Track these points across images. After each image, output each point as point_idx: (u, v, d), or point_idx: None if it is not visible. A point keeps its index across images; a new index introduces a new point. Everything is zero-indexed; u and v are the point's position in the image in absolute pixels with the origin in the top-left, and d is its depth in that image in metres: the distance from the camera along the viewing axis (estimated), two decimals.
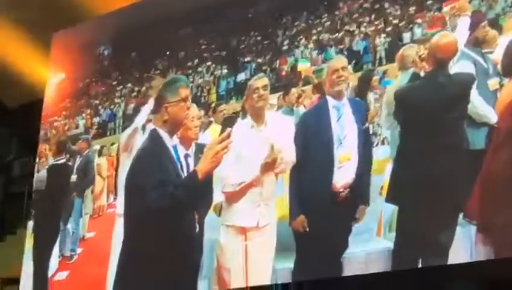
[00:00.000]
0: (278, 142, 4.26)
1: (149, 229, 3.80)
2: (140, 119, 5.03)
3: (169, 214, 3.72)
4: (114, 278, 4.09)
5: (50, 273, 5.75)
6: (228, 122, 4.49)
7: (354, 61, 4.44)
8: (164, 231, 3.78)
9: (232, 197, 4.38)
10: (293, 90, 4.75)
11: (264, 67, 4.87)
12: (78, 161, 5.90)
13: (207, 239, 4.43)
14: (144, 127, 4.88)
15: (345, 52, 4.59)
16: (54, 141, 6.25)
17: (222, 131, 3.91)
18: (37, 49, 7.70)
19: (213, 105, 5.05)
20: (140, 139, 4.47)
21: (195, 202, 3.92)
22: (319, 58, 4.63)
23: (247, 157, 4.30)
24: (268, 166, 4.27)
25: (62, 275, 5.66)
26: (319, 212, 4.18)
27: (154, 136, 3.88)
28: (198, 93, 5.17)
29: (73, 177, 5.83)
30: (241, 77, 5.00)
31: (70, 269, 5.66)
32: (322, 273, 4.15)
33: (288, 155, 4.28)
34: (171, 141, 3.91)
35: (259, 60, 4.99)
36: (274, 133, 4.29)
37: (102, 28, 6.20)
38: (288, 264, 4.25)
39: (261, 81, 4.41)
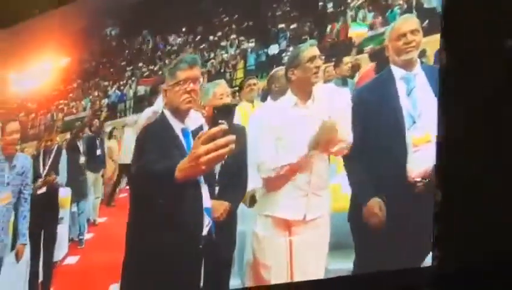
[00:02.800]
0: (331, 120, 2.77)
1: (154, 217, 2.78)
2: (157, 103, 3.56)
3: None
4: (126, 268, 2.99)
5: (57, 258, 4.31)
6: (223, 113, 2.51)
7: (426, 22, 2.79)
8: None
9: (272, 184, 2.95)
10: (346, 59, 3.18)
11: (303, 36, 3.32)
12: (86, 143, 4.43)
13: (239, 231, 3.13)
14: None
15: (414, 12, 2.90)
16: (60, 123, 4.74)
17: (214, 122, 2.29)
18: None
19: (240, 82, 3.54)
20: None
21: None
22: (377, 20, 3.05)
23: (290, 138, 2.87)
24: (319, 148, 2.75)
25: (72, 260, 4.28)
26: (390, 205, 2.63)
27: (160, 118, 2.96)
28: (222, 70, 3.66)
29: (82, 159, 4.32)
30: (274, 49, 3.46)
31: (80, 254, 4.29)
32: None
33: (345, 135, 2.78)
34: (180, 124, 2.87)
35: (297, 28, 3.39)
36: (325, 109, 2.80)
37: (108, 4, 4.61)
38: (345, 264, 2.75)
39: (311, 51, 2.89)
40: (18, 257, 4.15)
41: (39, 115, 5.09)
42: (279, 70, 3.10)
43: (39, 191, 4.23)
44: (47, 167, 4.26)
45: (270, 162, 2.89)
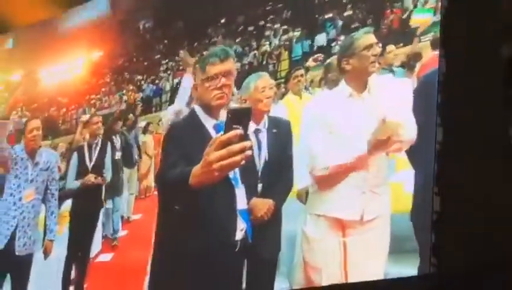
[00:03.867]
0: (391, 114, 2.48)
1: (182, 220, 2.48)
2: (179, 99, 3.44)
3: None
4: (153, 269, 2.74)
5: (91, 255, 4.06)
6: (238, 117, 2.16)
7: None
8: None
9: (325, 182, 2.66)
10: (390, 47, 2.85)
11: (354, 25, 3.02)
12: (120, 138, 4.16)
13: (286, 230, 2.84)
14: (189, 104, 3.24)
15: None
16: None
17: (228, 127, 1.97)
18: None
19: (285, 73, 3.25)
20: None
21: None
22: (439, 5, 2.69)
23: (345, 132, 2.55)
24: (379, 144, 2.45)
25: (106, 257, 4.05)
26: None
27: (191, 115, 2.71)
28: (265, 61, 3.37)
29: (118, 155, 4.07)
30: (321, 38, 3.17)
31: (114, 251, 4.06)
32: None
33: (407, 131, 2.47)
34: (212, 120, 2.62)
35: (349, 15, 3.09)
36: (383, 101, 2.49)
37: None
38: (407, 269, 2.45)
39: (367, 38, 2.60)
40: (46, 253, 3.93)
41: (70, 110, 4.85)
42: (334, 60, 2.81)
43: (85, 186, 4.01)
44: (93, 162, 4.00)
45: (323, 158, 2.59)
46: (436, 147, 2.38)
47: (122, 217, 4.08)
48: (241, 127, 1.93)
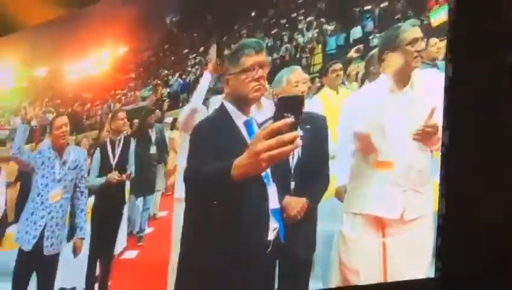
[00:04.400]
0: (436, 110, 2.35)
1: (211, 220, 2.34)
2: (197, 96, 3.32)
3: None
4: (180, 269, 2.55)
5: (115, 252, 3.97)
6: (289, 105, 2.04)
7: None
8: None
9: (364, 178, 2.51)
10: (433, 40, 2.67)
11: (396, 16, 2.88)
12: (156, 132, 4.08)
13: (322, 230, 2.72)
14: (206, 102, 3.24)
15: None
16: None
17: (279, 116, 1.85)
18: None
19: (319, 67, 3.13)
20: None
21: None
22: None
23: (387, 128, 2.41)
24: (423, 139, 2.33)
25: (131, 255, 3.96)
26: None
27: (220, 110, 2.54)
28: (298, 55, 3.25)
29: (153, 149, 4.03)
30: (358, 31, 3.05)
31: (139, 248, 3.97)
32: None
33: None
34: (242, 116, 2.48)
35: (387, 7, 2.96)
36: (427, 97, 2.37)
37: None
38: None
39: (413, 32, 2.48)
40: (76, 252, 3.85)
41: (95, 105, 4.78)
42: (375, 53, 2.69)
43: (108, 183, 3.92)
44: (116, 158, 3.93)
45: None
46: (442, 150, 2.36)
47: (148, 214, 3.99)
48: (292, 116, 1.83)
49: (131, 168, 3.94)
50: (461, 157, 2.33)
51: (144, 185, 4.02)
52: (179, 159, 3.50)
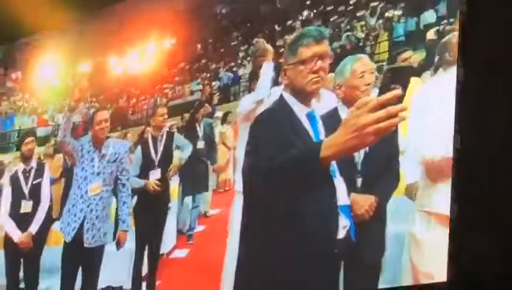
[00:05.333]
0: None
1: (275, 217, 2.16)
2: (262, 88, 3.15)
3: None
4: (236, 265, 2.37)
5: (164, 250, 3.86)
6: (397, 76, 1.93)
7: None
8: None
9: (436, 173, 2.34)
10: None
11: None
12: (204, 127, 3.92)
13: (392, 230, 2.51)
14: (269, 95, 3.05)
15: None
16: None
17: (386, 87, 1.68)
18: None
19: (386, 56, 2.91)
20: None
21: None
22: None
23: None
24: None
25: (181, 253, 3.86)
26: None
27: (280, 102, 2.34)
28: (361, 44, 3.04)
29: (201, 144, 3.87)
30: (430, 16, 2.81)
31: (190, 247, 3.85)
32: None
33: None
34: (304, 108, 2.28)
35: None
36: None
37: None
38: None
39: None
40: (119, 245, 3.74)
41: (141, 100, 4.66)
42: (452, 38, 2.47)
43: (152, 177, 3.77)
44: (159, 155, 3.78)
45: (432, 146, 2.27)
46: (454, 154, 2.31)
47: (199, 212, 3.85)
48: (400, 87, 1.67)
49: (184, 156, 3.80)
50: (472, 161, 2.29)
51: (193, 182, 3.87)
52: (238, 152, 3.32)
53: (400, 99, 1.70)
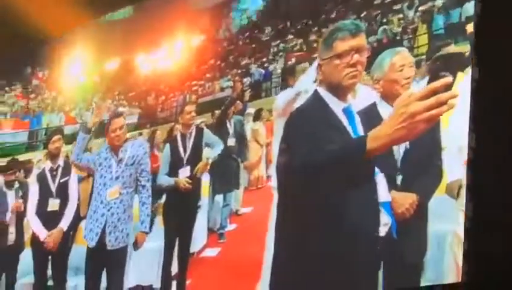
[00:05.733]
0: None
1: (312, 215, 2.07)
2: (303, 82, 2.97)
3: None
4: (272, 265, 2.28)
5: (194, 249, 3.80)
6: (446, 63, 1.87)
7: None
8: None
9: None
10: None
11: None
12: (234, 124, 3.83)
13: (434, 230, 2.40)
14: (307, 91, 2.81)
15: None
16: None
17: (435, 75, 1.61)
18: None
19: (425, 49, 2.82)
20: None
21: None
22: None
23: None
24: None
25: (212, 252, 3.80)
26: None
27: (315, 97, 2.24)
28: (398, 37, 2.95)
29: (232, 142, 3.79)
30: (471, 8, 2.69)
31: (221, 246, 3.79)
32: None
33: None
34: (340, 103, 2.17)
35: None
36: None
37: None
38: None
39: None
40: (136, 246, 3.70)
41: (170, 98, 4.63)
42: None
43: (181, 175, 3.72)
44: (188, 152, 3.75)
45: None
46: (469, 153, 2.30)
47: (230, 211, 3.79)
48: (449, 75, 1.62)
49: (214, 154, 3.75)
50: (488, 160, 2.28)
51: (223, 180, 3.82)
52: (274, 147, 3.27)
53: (448, 87, 1.65)
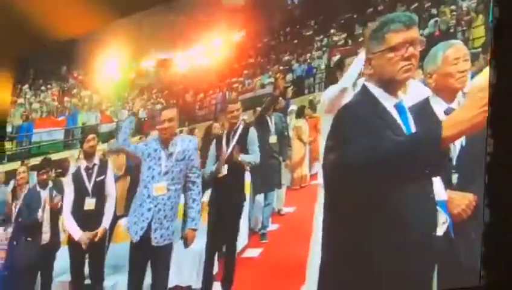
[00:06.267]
0: None
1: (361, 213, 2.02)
2: (349, 77, 2.93)
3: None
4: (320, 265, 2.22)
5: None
6: None
7: None
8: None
9: None
10: None
11: None
12: (275, 121, 3.74)
13: None
14: (355, 85, 2.85)
15: None
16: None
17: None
18: None
19: (482, 42, 2.71)
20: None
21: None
22: None
23: None
24: None
25: (253, 253, 3.73)
26: None
27: (364, 93, 2.19)
28: (452, 30, 2.85)
29: (273, 139, 3.72)
30: None
31: (263, 246, 3.72)
32: None
33: None
34: (391, 98, 2.12)
35: None
36: None
37: None
38: None
39: None
40: (187, 243, 3.65)
41: (209, 95, 4.57)
42: None
43: (221, 175, 3.67)
44: (230, 148, 3.69)
45: None
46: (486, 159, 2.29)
47: (272, 210, 3.72)
48: None
49: (252, 158, 3.68)
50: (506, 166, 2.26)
51: (264, 179, 3.75)
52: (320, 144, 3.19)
53: None
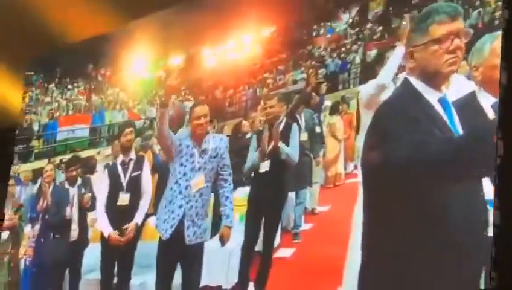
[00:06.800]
0: None
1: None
2: (388, 70, 2.86)
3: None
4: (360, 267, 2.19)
5: None
6: None
7: None
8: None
9: None
10: None
11: None
12: (305, 118, 3.68)
13: None
14: (394, 80, 2.80)
15: None
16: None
17: None
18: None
19: None
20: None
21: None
22: None
23: None
24: None
25: (286, 253, 3.64)
26: None
27: (406, 87, 2.16)
28: (496, 21, 2.76)
29: (304, 136, 3.67)
30: None
31: (296, 246, 3.64)
32: None
33: None
34: (435, 93, 2.11)
35: None
36: None
37: None
38: None
39: None
40: (223, 241, 3.59)
41: (239, 91, 4.52)
42: None
43: (262, 170, 3.60)
44: (272, 142, 3.61)
45: None
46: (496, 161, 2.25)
47: (305, 209, 3.64)
48: None
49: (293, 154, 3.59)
50: None
51: (295, 177, 3.67)
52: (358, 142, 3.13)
53: None
